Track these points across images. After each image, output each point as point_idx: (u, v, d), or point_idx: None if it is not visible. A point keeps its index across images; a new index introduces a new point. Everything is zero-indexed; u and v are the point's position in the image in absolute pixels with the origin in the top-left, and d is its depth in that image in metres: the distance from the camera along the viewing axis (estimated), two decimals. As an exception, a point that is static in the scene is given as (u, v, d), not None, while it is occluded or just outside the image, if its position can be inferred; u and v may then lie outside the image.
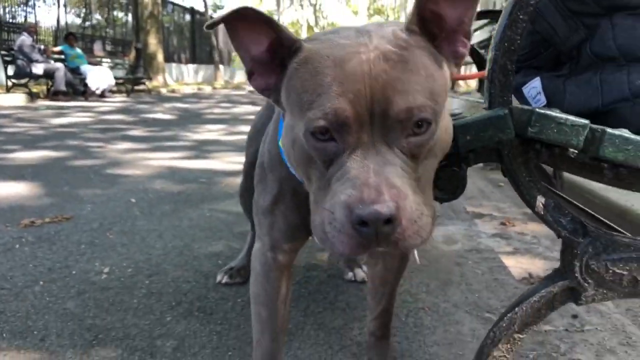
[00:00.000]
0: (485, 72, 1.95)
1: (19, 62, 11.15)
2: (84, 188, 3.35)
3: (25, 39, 11.31)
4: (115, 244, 2.27)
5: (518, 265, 2.07)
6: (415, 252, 2.16)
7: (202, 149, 5.23)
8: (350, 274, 1.88)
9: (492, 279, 1.93)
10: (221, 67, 28.03)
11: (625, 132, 0.90)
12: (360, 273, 1.86)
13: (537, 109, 0.91)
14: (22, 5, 17.00)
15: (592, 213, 1.32)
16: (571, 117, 0.90)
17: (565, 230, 0.98)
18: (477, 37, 4.53)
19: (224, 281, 1.83)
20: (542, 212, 0.99)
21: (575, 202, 1.33)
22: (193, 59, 26.62)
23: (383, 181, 0.75)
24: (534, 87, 1.13)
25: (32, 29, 12.11)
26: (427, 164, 0.83)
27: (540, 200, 0.99)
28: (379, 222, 0.72)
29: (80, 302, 1.69)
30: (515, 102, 1.08)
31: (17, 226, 2.48)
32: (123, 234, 2.41)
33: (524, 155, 0.98)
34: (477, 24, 4.22)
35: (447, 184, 1.00)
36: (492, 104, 0.96)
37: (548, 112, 0.91)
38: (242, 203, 1.88)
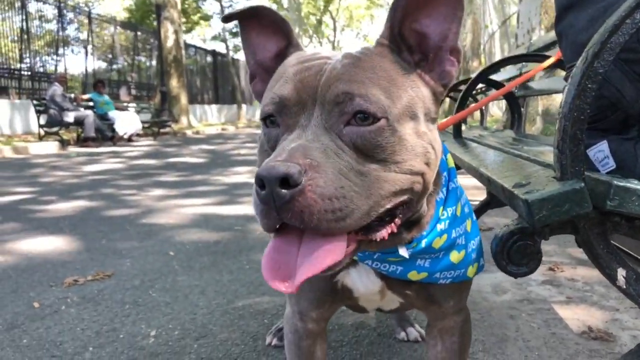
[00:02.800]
0: (508, 88, 1.92)
1: (51, 111, 11.51)
2: (121, 240, 3.37)
3: (56, 89, 11.70)
4: (159, 303, 2.26)
5: (575, 317, 1.99)
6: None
7: (233, 193, 5.25)
8: (402, 334, 1.82)
9: (549, 334, 1.85)
10: (244, 106, 28.55)
11: None
12: (413, 332, 1.81)
13: (615, 181, 0.88)
14: (51, 55, 17.68)
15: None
16: (654, 189, 0.87)
17: (650, 304, 0.94)
18: (507, 73, 4.52)
19: (273, 343, 1.80)
20: (625, 286, 0.94)
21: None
22: (216, 100, 27.19)
23: (299, 149, 0.71)
24: (600, 151, 1.10)
25: (63, 79, 12.54)
26: (380, 169, 0.76)
27: (622, 273, 0.95)
28: (272, 182, 0.66)
29: (131, 370, 1.67)
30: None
31: (62, 285, 2.50)
32: (165, 292, 2.40)
33: (601, 226, 0.95)
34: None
35: (522, 258, 0.97)
36: (564, 175, 0.94)
37: (628, 184, 0.87)
38: None
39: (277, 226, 0.72)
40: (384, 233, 0.81)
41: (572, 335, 1.84)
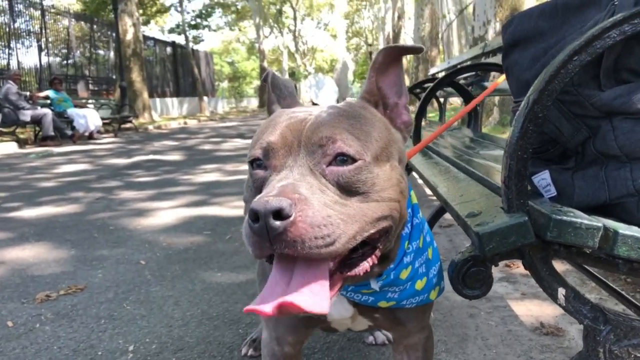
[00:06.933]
0: (469, 108, 2.05)
1: (6, 110, 11.18)
2: (90, 249, 3.38)
3: (10, 87, 11.36)
4: (134, 316, 2.31)
5: (528, 314, 2.15)
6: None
7: (203, 192, 5.28)
8: (370, 338, 1.94)
9: (506, 331, 2.00)
10: (205, 98, 28.16)
11: (636, 232, 0.99)
12: (381, 336, 1.93)
13: (553, 215, 0.99)
14: (2, 49, 17.05)
15: (614, 287, 1.40)
16: (586, 221, 0.98)
17: (586, 318, 1.06)
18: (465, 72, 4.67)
19: (249, 354, 1.88)
20: (564, 304, 1.07)
21: (599, 276, 1.42)
22: (177, 92, 26.73)
23: (289, 186, 0.79)
24: (543, 179, 1.22)
25: (17, 77, 12.15)
26: (362, 201, 0.85)
27: (561, 292, 1.07)
28: (267, 215, 0.73)
29: (113, 387, 1.74)
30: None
31: (34, 302, 2.51)
32: (140, 304, 2.45)
33: (543, 252, 1.07)
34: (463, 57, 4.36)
35: (475, 283, 1.08)
36: (510, 208, 1.05)
37: (564, 217, 0.99)
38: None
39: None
40: (366, 266, 0.89)
41: (526, 331, 2.00)
